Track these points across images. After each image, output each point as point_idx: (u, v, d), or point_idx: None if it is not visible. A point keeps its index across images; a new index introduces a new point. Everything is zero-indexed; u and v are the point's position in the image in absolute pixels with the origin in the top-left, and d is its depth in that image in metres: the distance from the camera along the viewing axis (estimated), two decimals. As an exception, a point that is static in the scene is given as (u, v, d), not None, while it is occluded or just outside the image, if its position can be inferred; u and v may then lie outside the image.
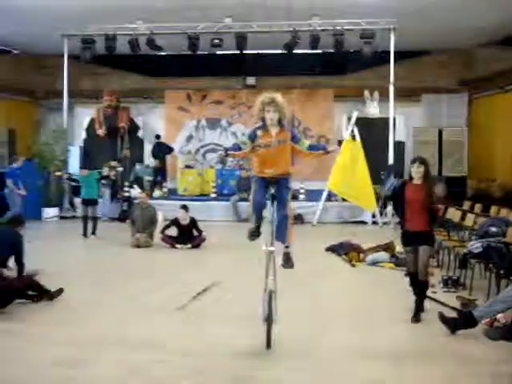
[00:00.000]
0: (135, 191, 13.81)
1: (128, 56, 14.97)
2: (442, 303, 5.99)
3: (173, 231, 9.95)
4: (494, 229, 6.83)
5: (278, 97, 4.94)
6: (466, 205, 10.64)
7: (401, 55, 14.76)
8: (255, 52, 16.37)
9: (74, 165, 15.57)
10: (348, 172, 12.89)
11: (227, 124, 17.61)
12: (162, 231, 9.84)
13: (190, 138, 17.50)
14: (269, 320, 4.81)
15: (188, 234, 9.73)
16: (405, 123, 16.21)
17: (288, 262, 5.09)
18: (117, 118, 16.18)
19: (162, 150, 16.25)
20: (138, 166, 15.53)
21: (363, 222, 13.32)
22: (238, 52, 14.43)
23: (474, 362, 4.50)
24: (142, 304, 6.22)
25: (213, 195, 14.42)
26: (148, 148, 16.94)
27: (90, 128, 16.44)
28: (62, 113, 15.42)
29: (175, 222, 9.69)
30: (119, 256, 9.44)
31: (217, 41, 13.49)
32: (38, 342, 4.99)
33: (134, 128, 16.58)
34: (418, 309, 5.61)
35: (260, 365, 4.53)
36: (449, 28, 13.84)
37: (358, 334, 5.29)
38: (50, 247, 9.93)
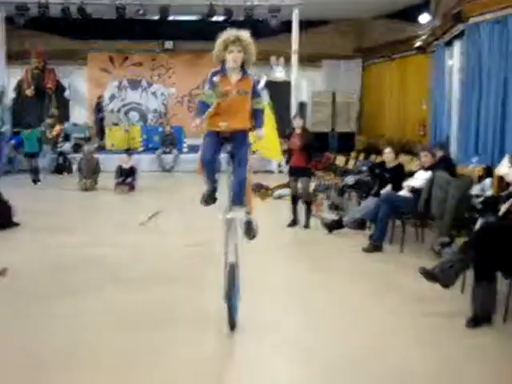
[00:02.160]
0: (68, 146, 16.04)
1: (52, 19, 16.46)
2: (322, 218, 8.88)
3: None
4: (364, 167, 9.86)
5: (245, 34, 4.45)
6: (353, 155, 13.74)
7: (304, 24, 17.47)
8: (173, 18, 18.65)
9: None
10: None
11: (147, 84, 19.79)
12: (116, 179, 12.19)
13: (112, 98, 19.58)
14: (231, 298, 4.54)
15: (127, 177, 12.23)
16: (307, 86, 19.17)
17: (250, 231, 4.62)
18: (43, 78, 18.12)
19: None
20: (66, 125, 17.59)
21: (270, 171, 16.17)
22: (157, 18, 16.74)
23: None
24: (111, 225, 8.83)
25: (140, 149, 16.90)
26: (74, 107, 19.08)
27: (19, 88, 18.26)
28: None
29: (119, 168, 12.16)
30: (73, 196, 11.89)
31: (141, 11, 15.72)
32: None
33: (60, 88, 18.57)
34: (306, 224, 8.51)
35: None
36: (346, 1, 16.66)
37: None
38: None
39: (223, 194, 4.67)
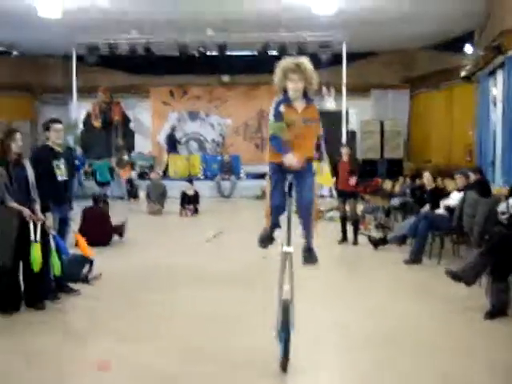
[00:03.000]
0: (134, 174, 17.61)
1: (117, 56, 18.11)
2: (369, 236, 9.92)
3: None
4: (408, 190, 10.90)
5: (305, 61, 4.32)
6: (400, 180, 14.73)
7: (353, 56, 18.62)
8: (229, 54, 20.10)
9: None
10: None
11: (205, 116, 21.39)
12: (181, 204, 13.57)
13: (173, 129, 21.21)
14: (284, 336, 4.34)
15: (193, 203, 13.58)
16: (357, 115, 20.33)
17: (310, 257, 4.51)
18: (111, 111, 19.83)
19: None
20: (133, 154, 19.22)
21: (323, 196, 17.28)
22: (215, 54, 18.23)
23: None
24: (181, 243, 10.14)
25: (200, 176, 18.34)
26: (137, 138, 20.79)
27: (87, 121, 20.02)
28: (56, 107, 19.07)
29: (183, 194, 13.53)
30: (145, 219, 13.30)
31: (202, 49, 17.25)
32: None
33: (126, 120, 20.27)
34: (354, 241, 9.59)
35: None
36: (393, 34, 17.63)
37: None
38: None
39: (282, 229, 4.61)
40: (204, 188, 17.46)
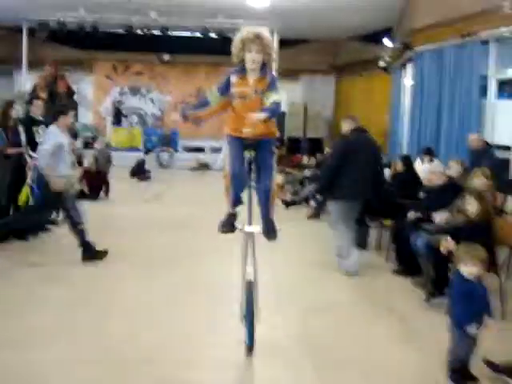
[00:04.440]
0: (78, 143, 19.31)
1: (62, 31, 19.33)
2: (282, 199, 12.18)
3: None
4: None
5: (264, 32, 4.22)
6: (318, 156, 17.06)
7: (285, 43, 20.71)
8: (170, 34, 21.79)
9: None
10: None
11: (146, 91, 23.26)
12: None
13: (114, 103, 22.85)
14: (249, 318, 4.40)
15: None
16: (287, 98, 22.55)
17: (271, 231, 4.45)
18: (56, 84, 21.32)
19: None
20: (77, 124, 20.86)
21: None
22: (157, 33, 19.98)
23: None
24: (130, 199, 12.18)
25: (140, 148, 20.28)
26: (80, 110, 22.38)
27: (34, 92, 21.42)
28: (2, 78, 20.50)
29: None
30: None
31: (146, 30, 19.05)
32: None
33: (70, 93, 21.80)
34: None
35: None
36: (322, 24, 19.80)
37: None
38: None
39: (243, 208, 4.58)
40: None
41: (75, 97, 22.37)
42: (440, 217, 6.44)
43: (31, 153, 8.11)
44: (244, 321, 4.54)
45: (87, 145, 19.56)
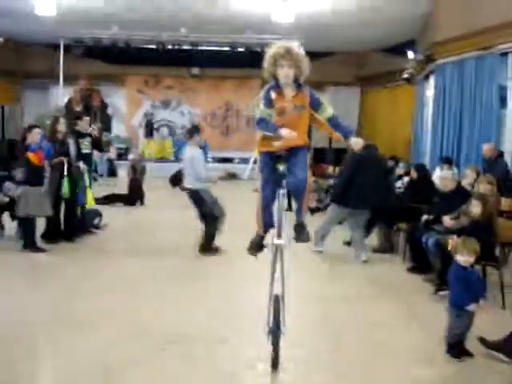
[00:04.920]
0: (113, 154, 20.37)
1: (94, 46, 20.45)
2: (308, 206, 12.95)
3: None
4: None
5: (295, 47, 4.27)
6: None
7: (310, 54, 21.43)
8: (199, 48, 22.72)
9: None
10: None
11: (176, 105, 24.30)
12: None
13: (146, 115, 23.99)
14: (275, 333, 4.39)
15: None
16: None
17: (302, 234, 4.56)
18: (91, 97, 22.47)
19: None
20: (111, 136, 21.98)
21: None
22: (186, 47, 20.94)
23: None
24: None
25: (172, 158, 21.29)
26: (114, 122, 23.54)
27: (69, 105, 22.55)
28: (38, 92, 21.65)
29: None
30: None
31: (177, 46, 20.06)
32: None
33: (104, 106, 22.96)
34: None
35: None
36: (346, 38, 20.54)
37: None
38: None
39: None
40: (175, 169, 20.29)
41: (109, 110, 23.57)
42: (448, 219, 7.15)
43: (80, 163, 9.05)
44: (269, 336, 4.49)
45: (121, 156, 20.57)
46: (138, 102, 24.11)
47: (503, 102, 13.37)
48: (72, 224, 9.12)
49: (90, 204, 9.32)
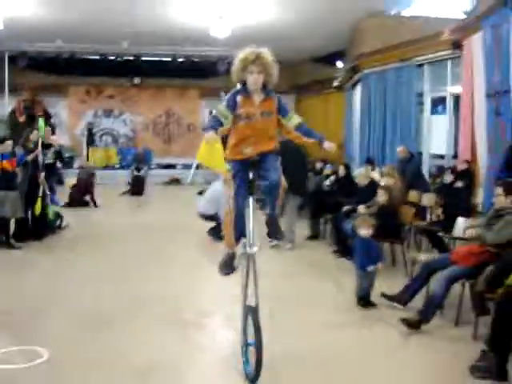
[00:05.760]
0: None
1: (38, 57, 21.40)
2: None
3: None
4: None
5: (265, 52, 4.29)
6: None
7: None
8: (140, 59, 23.74)
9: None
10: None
11: (118, 113, 25.59)
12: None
13: (89, 125, 25.12)
14: (246, 346, 4.37)
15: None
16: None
17: (275, 230, 4.63)
18: (33, 108, 23.42)
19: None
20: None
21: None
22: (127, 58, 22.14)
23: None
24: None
25: (117, 166, 22.59)
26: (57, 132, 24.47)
27: (12, 115, 23.48)
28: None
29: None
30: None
31: (119, 58, 21.39)
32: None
33: (47, 116, 23.90)
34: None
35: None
36: (280, 49, 22.08)
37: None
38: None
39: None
40: (121, 176, 21.62)
41: (52, 120, 24.53)
42: (362, 207, 8.88)
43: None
44: (244, 350, 4.47)
45: (67, 164, 21.71)
46: (81, 111, 25.24)
47: (421, 108, 15.30)
48: (41, 224, 10.48)
49: (37, 211, 10.29)
